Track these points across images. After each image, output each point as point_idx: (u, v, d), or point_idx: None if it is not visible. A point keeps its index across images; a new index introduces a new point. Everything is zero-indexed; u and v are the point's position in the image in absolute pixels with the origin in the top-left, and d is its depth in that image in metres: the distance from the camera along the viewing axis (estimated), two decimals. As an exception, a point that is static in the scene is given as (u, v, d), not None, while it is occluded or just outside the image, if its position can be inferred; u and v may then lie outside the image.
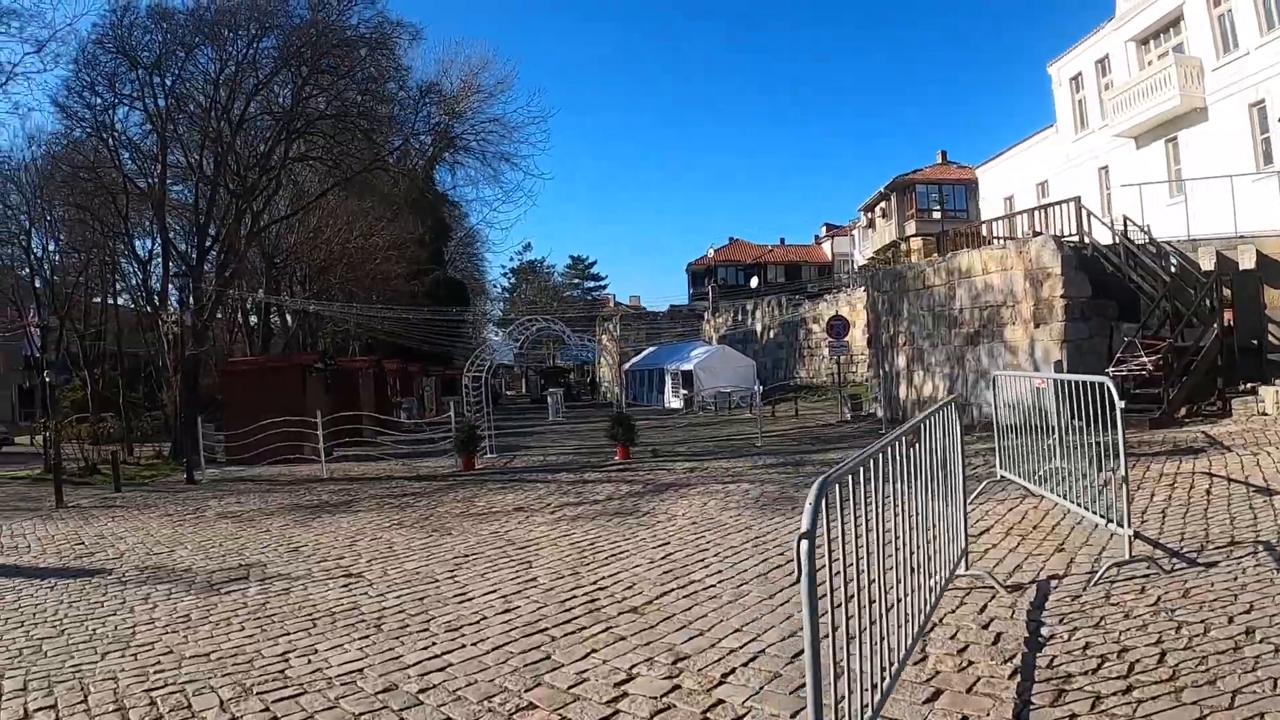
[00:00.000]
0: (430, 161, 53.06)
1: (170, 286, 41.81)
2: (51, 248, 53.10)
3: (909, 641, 6.33)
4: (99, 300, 56.87)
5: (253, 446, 28.32)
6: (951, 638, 7.70)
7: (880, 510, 5.48)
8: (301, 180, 46.20)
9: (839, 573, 4.75)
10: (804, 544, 3.97)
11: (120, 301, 56.37)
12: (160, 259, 41.63)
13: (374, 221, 48.00)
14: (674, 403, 57.63)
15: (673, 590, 10.19)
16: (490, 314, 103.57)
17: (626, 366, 68.51)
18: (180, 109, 39.01)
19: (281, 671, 8.16)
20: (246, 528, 17.12)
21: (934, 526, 7.48)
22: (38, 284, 53.17)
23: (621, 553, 12.54)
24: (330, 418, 28.02)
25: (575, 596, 10.23)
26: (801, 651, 4.72)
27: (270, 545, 15.00)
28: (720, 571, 10.92)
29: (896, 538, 6.35)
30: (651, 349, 73.39)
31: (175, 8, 37.94)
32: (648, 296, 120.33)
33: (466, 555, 13.08)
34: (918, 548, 6.79)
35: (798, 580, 4.10)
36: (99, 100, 37.80)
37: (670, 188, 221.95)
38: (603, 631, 8.78)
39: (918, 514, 6.94)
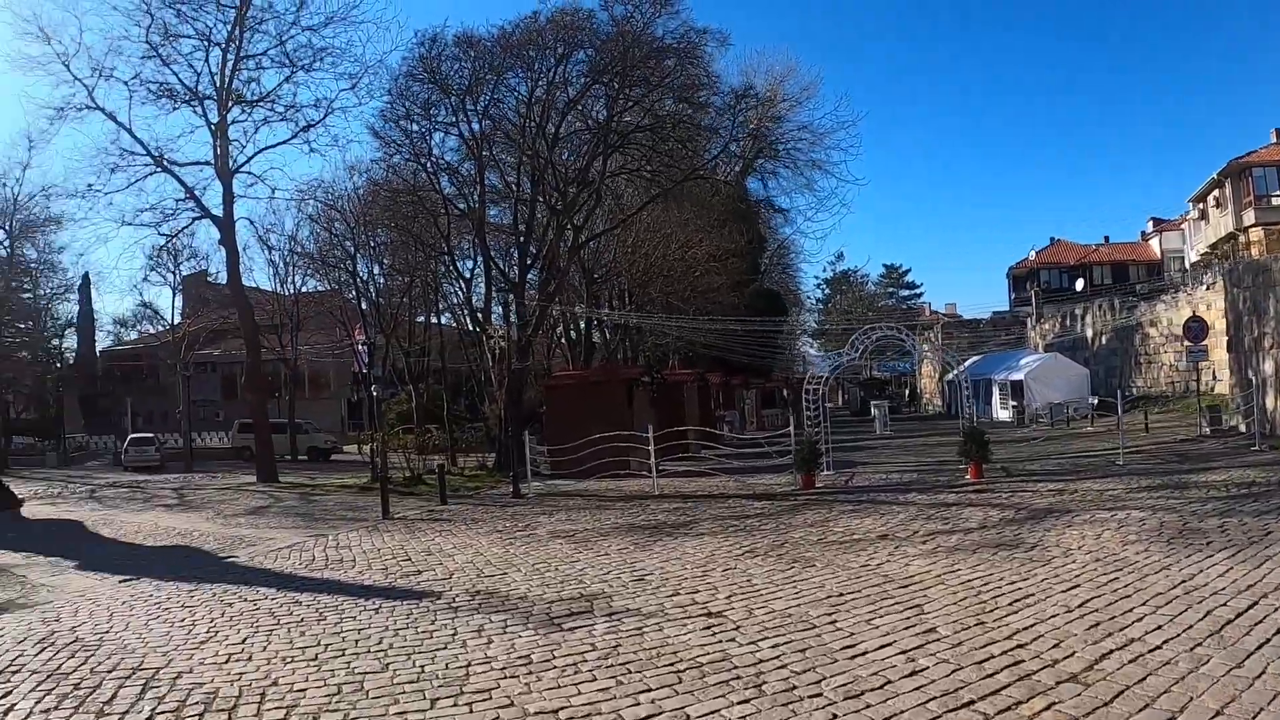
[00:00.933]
0: (743, 171, 51.72)
1: (493, 303, 41.98)
2: (376, 271, 54.86)
3: None
4: (422, 319, 58.54)
5: (579, 461, 27.29)
6: None
7: None
8: (621, 194, 45.50)
9: None
10: None
11: (443, 320, 57.80)
12: (482, 277, 41.82)
13: (692, 233, 46.78)
14: (1002, 415, 53.99)
15: (1112, 652, 8.19)
16: (805, 325, 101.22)
17: (949, 377, 65.20)
18: (495, 128, 39.04)
19: (649, 743, 6.61)
20: (582, 549, 15.96)
21: None
22: (364, 305, 54.83)
23: (1026, 596, 10.53)
24: (661, 433, 26.64)
25: (991, 655, 8.37)
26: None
27: (611, 571, 13.69)
28: (1160, 628, 8.84)
29: None
30: (975, 358, 69.49)
31: (481, 35, 38.37)
32: (964, 303, 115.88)
33: (841, 594, 11.29)
34: None
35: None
36: (415, 127, 39.02)
37: (985, 189, 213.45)
38: (1046, 709, 6.87)
39: None
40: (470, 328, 53.39)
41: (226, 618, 11.98)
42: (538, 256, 38.58)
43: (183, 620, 11.99)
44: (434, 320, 60.46)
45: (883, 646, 8.84)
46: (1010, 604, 10.20)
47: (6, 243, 62.13)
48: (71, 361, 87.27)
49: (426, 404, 51.92)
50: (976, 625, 9.41)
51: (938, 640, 8.95)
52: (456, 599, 12.22)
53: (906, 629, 9.43)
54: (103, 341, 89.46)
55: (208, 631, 11.24)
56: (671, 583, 12.55)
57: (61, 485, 42.51)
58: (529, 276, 39.62)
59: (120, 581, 15.51)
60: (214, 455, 60.44)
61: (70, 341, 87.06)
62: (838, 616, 10.12)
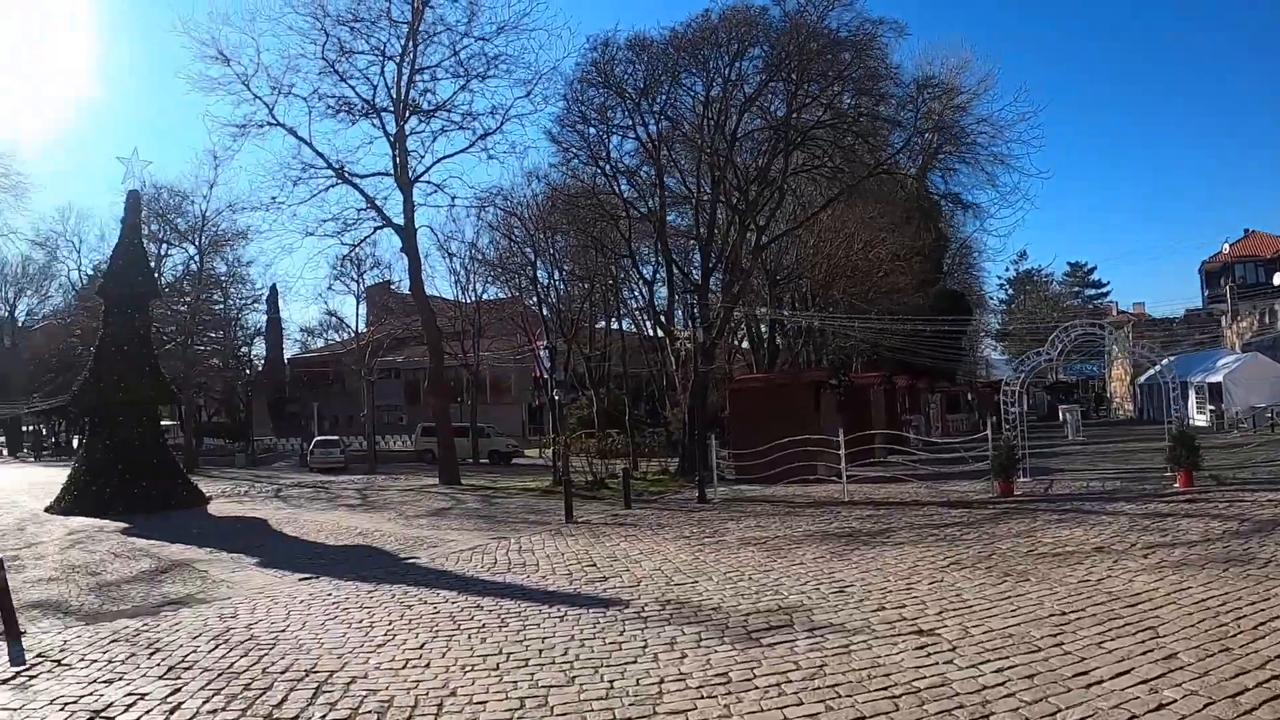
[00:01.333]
0: (923, 168, 49.91)
1: (675, 307, 41.27)
2: (556, 276, 54.85)
3: None
4: (603, 325, 58.38)
5: (765, 466, 26.32)
6: None
7: None
8: (802, 193, 44.26)
9: None
10: None
11: (624, 325, 57.51)
12: (663, 281, 41.23)
13: (875, 232, 45.24)
14: (1198, 419, 50.78)
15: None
16: (988, 327, 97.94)
17: (1141, 380, 62.00)
18: (674, 129, 38.46)
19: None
20: (775, 558, 14.89)
21: None
22: (545, 311, 54.92)
23: (1273, 619, 9.23)
24: (852, 437, 25.42)
25: (1244, 686, 7.28)
26: None
27: (809, 582, 12.66)
28: None
29: None
30: (1168, 359, 65.74)
31: (652, 37, 37.74)
32: (1153, 302, 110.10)
33: (1064, 613, 10.05)
34: None
35: None
36: (592, 131, 38.68)
37: (1170, 180, 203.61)
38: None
39: None
40: (652, 332, 52.96)
41: (405, 620, 11.50)
42: (720, 258, 37.69)
43: (360, 621, 11.57)
44: (614, 325, 60.14)
45: (1119, 674, 7.79)
46: (1255, 627, 8.97)
47: (197, 257, 64.08)
48: (260, 368, 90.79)
49: (607, 408, 51.66)
50: (1221, 652, 8.24)
51: (1181, 668, 7.84)
52: (645, 608, 11.41)
53: (1143, 654, 8.31)
54: (291, 349, 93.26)
55: (385, 635, 10.79)
56: (875, 595, 11.49)
57: (248, 485, 43.42)
58: (711, 279, 38.74)
59: (300, 579, 15.31)
60: (397, 458, 61.57)
61: (260, 349, 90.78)
62: (1063, 638, 9.00)
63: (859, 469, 27.96)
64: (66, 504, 31.57)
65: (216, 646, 10.57)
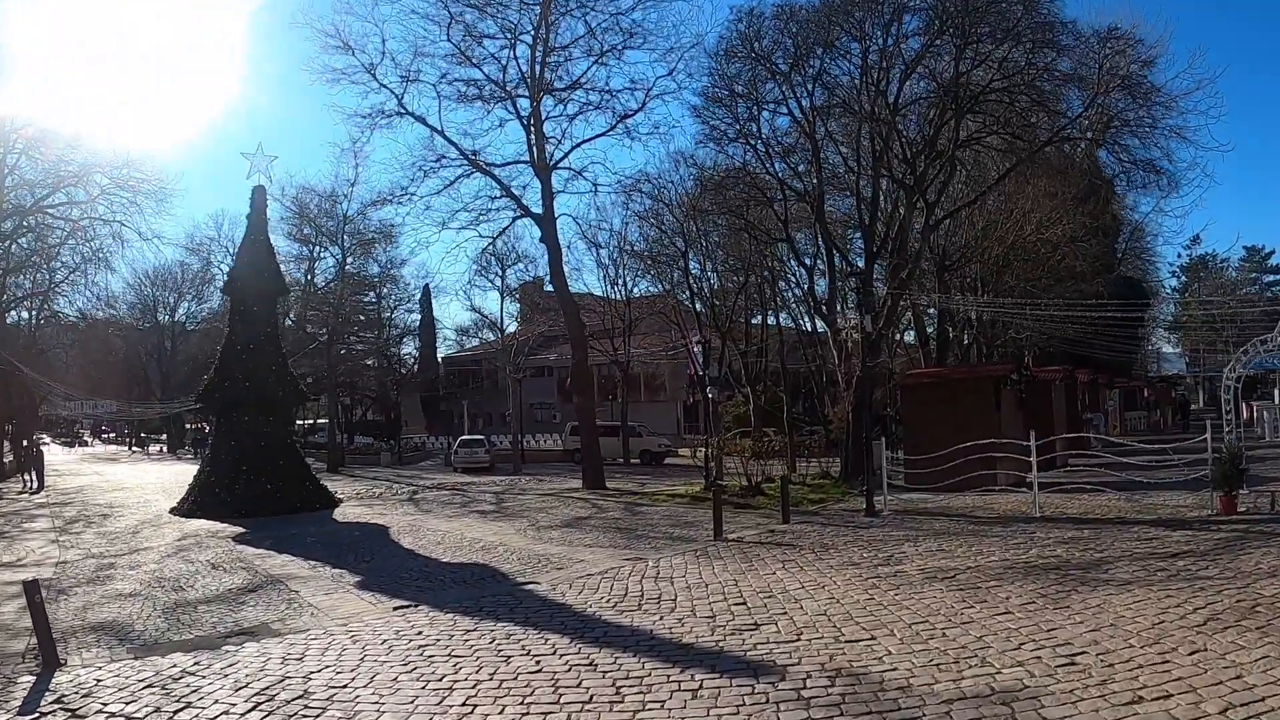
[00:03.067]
0: (1095, 140, 45.12)
1: (836, 296, 37.89)
2: (708, 268, 52.35)
3: None
4: (758, 320, 55.78)
5: (941, 475, 23.10)
6: None
7: None
8: (973, 167, 40.22)
9: None
10: None
11: (780, 319, 54.76)
12: (823, 269, 37.80)
13: (1049, 211, 41.02)
14: None
15: None
16: (1162, 318, 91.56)
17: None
18: (830, 98, 35.21)
19: None
20: (971, 602, 11.58)
21: None
22: (698, 306, 52.48)
23: None
24: (1045, 440, 21.98)
25: None
26: None
27: (1024, 645, 9.44)
28: None
29: None
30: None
31: (801, 3, 34.53)
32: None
33: None
34: None
35: None
36: (740, 109, 35.82)
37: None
38: None
39: None
40: (811, 325, 50.03)
41: (495, 681, 9.01)
42: (885, 240, 34.43)
43: (440, 679, 9.22)
44: (770, 319, 57.32)
45: None
46: None
47: (341, 257, 63.26)
48: (414, 367, 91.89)
49: (764, 406, 48.90)
50: None
51: None
52: (808, 682, 8.49)
53: None
54: (448, 349, 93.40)
55: (464, 703, 8.43)
56: (1120, 673, 8.27)
57: (386, 485, 41.83)
58: (875, 265, 35.28)
59: (394, 609, 13.06)
60: (545, 458, 59.74)
61: (412, 348, 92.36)
62: None
63: (1043, 476, 24.63)
64: (190, 506, 30.28)
65: (255, 708, 8.62)
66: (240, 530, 25.31)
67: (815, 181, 34.75)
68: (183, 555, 20.54)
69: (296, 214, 61.61)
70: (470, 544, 20.48)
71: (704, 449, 35.43)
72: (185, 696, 9.05)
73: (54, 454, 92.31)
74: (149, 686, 9.45)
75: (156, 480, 46.49)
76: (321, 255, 66.62)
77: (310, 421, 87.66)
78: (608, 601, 12.63)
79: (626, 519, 24.84)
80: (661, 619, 11.33)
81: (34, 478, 44.19)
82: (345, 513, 29.83)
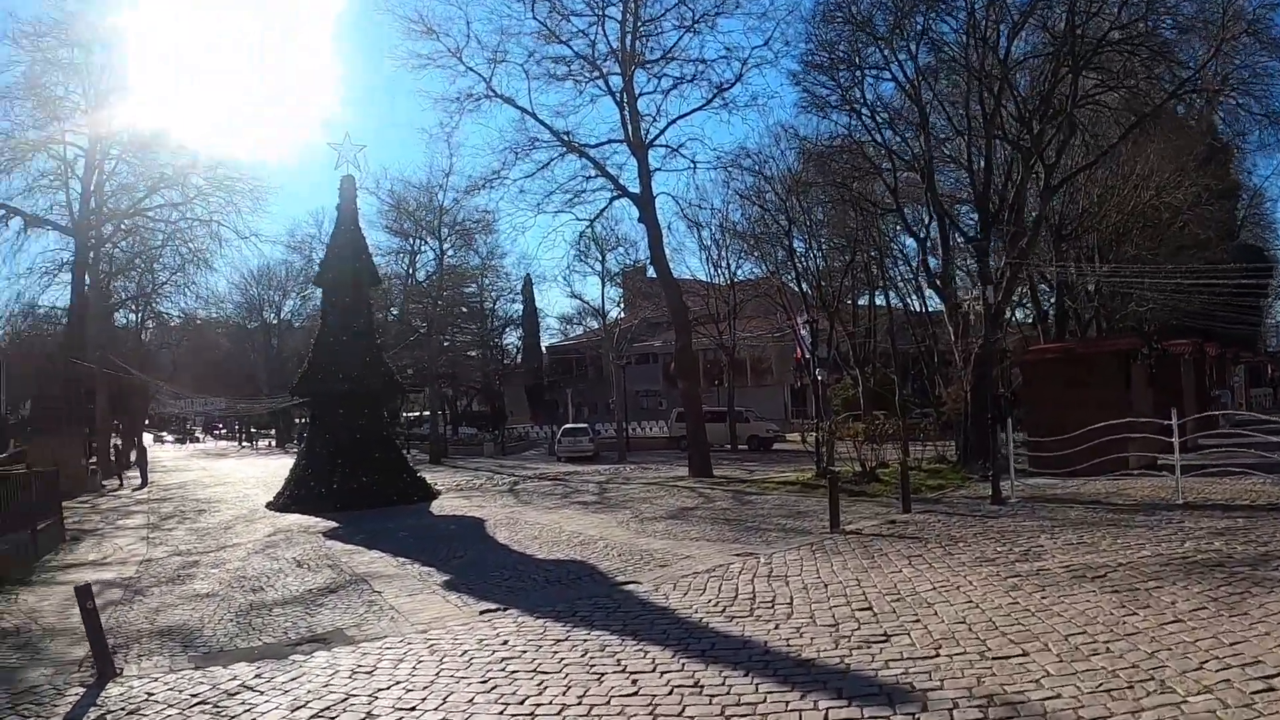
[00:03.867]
0: (1209, 103, 42.00)
1: (949, 269, 35.79)
2: (813, 248, 50.62)
3: None
4: (865, 301, 54.16)
5: (1069, 459, 21.35)
6: None
7: None
8: (1092, 127, 37.44)
9: None
10: None
11: (890, 298, 52.91)
12: (936, 239, 35.70)
13: (1170, 174, 38.28)
14: None
15: None
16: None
17: None
18: (938, 57, 33.30)
19: None
20: (1130, 607, 9.86)
21: None
22: (804, 286, 50.82)
23: None
24: (1187, 419, 20.08)
25: None
26: None
27: (1207, 663, 7.83)
28: None
29: None
30: None
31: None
32: None
33: None
34: None
35: None
36: (843, 75, 33.99)
37: None
38: None
39: None
40: (920, 304, 48.05)
41: (584, 707, 7.80)
42: (1000, 209, 32.33)
43: (521, 703, 8.02)
44: (878, 299, 55.45)
45: None
46: None
47: (438, 248, 62.71)
48: (518, 357, 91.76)
49: (874, 388, 47.06)
50: None
51: None
52: (956, 714, 7.04)
53: None
54: (549, 338, 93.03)
55: None
56: None
57: (488, 476, 40.92)
58: (994, 232, 32.92)
59: (480, 613, 11.89)
60: (651, 445, 58.94)
61: (515, 339, 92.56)
62: None
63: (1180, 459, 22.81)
64: (285, 501, 29.86)
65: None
66: (333, 525, 24.57)
67: (924, 147, 32.76)
68: (269, 552, 19.80)
69: (393, 207, 61.31)
70: (568, 538, 19.28)
71: (814, 434, 33.77)
72: (237, 717, 8.10)
73: (165, 450, 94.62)
74: (201, 703, 8.59)
75: (259, 475, 46.27)
76: (422, 249, 66.19)
77: (416, 414, 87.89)
78: (715, 605, 11.27)
79: (735, 509, 23.42)
80: (776, 628, 9.94)
81: (139, 474, 44.32)
82: (442, 505, 28.97)
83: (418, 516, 25.97)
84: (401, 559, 17.52)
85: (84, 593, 9.96)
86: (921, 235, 37.04)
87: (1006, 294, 31.37)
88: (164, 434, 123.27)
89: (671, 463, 41.76)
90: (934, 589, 11.28)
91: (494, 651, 9.74)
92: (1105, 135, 35.04)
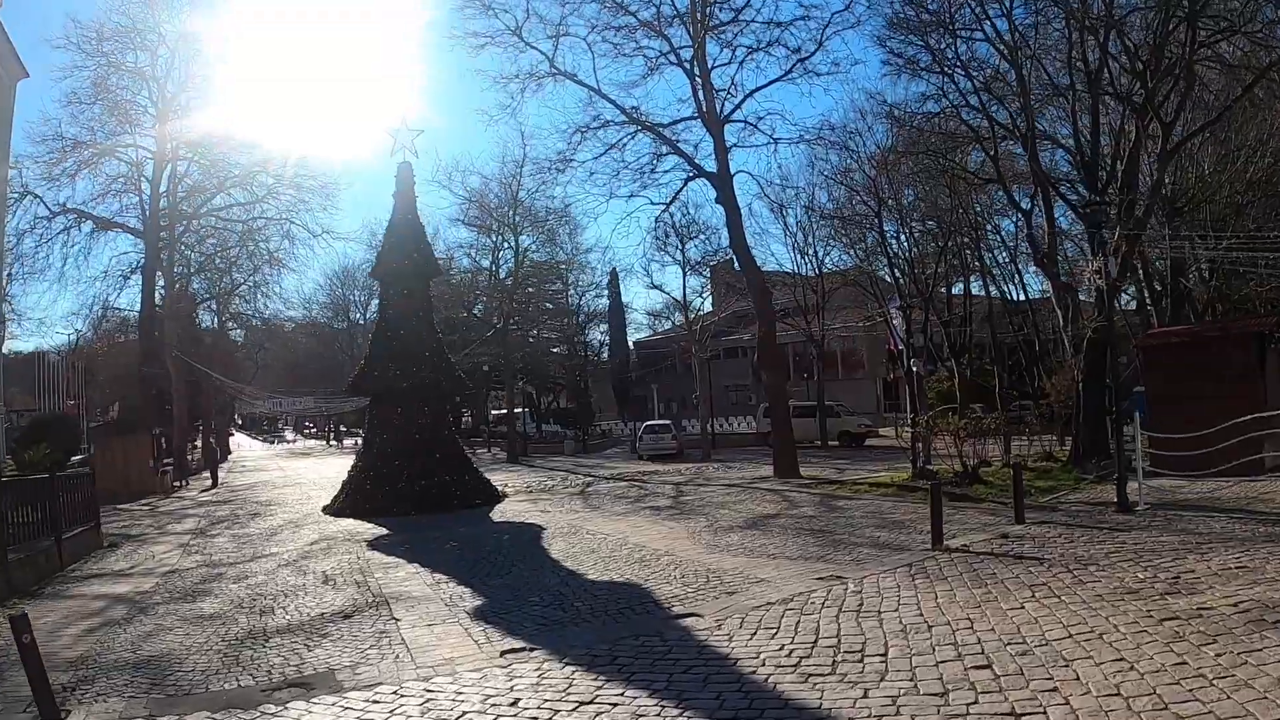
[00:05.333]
0: None
1: (1055, 245, 32.66)
2: (904, 233, 48.01)
3: None
4: (960, 288, 51.64)
5: (1199, 459, 18.70)
6: None
7: None
8: (1213, 84, 33.80)
9: None
10: None
11: (987, 287, 50.23)
12: (1040, 213, 32.64)
13: None
14: None
15: None
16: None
17: None
18: (1035, 11, 30.41)
19: None
20: None
21: None
22: (896, 274, 48.31)
23: None
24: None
25: None
26: None
27: None
28: None
29: None
30: None
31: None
32: None
33: None
34: None
35: None
36: (932, 36, 31.12)
37: None
38: None
39: None
40: (1020, 290, 45.26)
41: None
42: (1110, 178, 29.32)
43: None
44: (974, 287, 52.85)
45: None
46: None
47: (514, 241, 60.75)
48: (605, 353, 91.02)
49: (971, 380, 44.40)
50: None
51: None
52: None
53: None
54: (637, 333, 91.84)
55: None
56: None
57: (563, 476, 38.97)
58: (1107, 198, 29.32)
59: (502, 654, 9.87)
60: (739, 442, 56.74)
61: (599, 334, 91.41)
62: None
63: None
64: (340, 505, 28.14)
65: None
66: (381, 532, 22.84)
67: (1024, 105, 29.69)
68: (301, 564, 18.00)
69: (471, 202, 59.57)
70: (630, 552, 16.94)
71: (909, 429, 31.10)
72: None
73: (251, 450, 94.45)
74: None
75: (333, 474, 44.66)
76: (503, 245, 64.37)
77: (503, 411, 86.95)
78: (788, 654, 8.87)
79: (822, 516, 20.92)
80: (865, 695, 7.53)
81: (210, 475, 43.57)
82: (505, 509, 26.96)
83: (474, 523, 23.96)
84: (439, 576, 15.55)
85: (20, 624, 8.42)
86: (1027, 206, 33.78)
87: (1121, 270, 27.95)
88: (252, 434, 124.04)
89: (758, 461, 39.17)
90: (1070, 636, 8.68)
91: (499, 714, 7.70)
92: (1226, 94, 31.45)
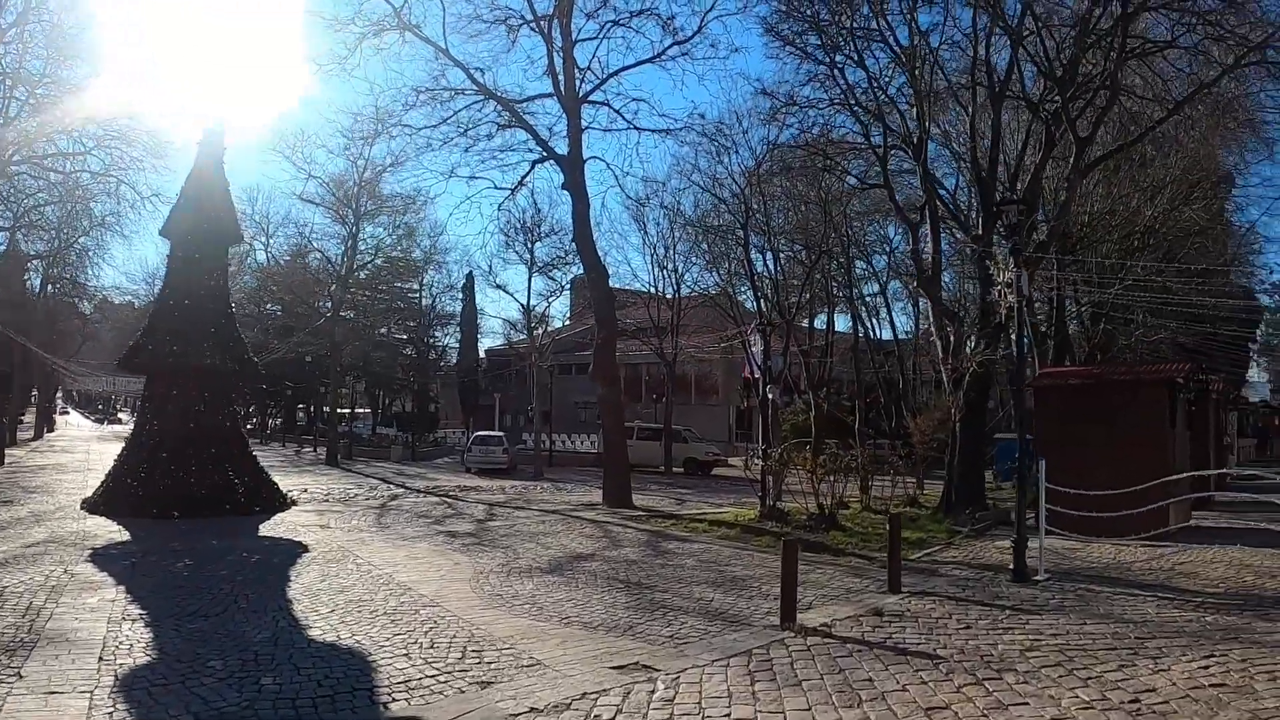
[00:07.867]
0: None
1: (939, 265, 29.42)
2: (768, 255, 45.24)
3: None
4: (822, 321, 49.68)
5: (1101, 519, 15.92)
6: None
7: None
8: (1133, 106, 30.86)
9: None
10: None
11: (854, 322, 47.74)
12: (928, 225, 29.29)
13: (1195, 183, 32.54)
14: None
15: None
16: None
17: None
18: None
19: None
20: None
21: None
22: (758, 298, 45.50)
23: None
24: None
25: None
26: None
27: None
28: None
29: None
30: None
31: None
32: None
33: None
34: None
35: None
36: (816, 40, 27.95)
37: None
38: None
39: None
40: (889, 325, 42.78)
41: None
42: (1010, 192, 25.94)
43: None
44: (839, 323, 50.40)
45: None
46: None
47: (354, 224, 56.07)
48: (454, 359, 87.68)
49: (829, 414, 41.68)
50: None
51: None
52: None
53: None
54: (492, 341, 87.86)
55: None
56: None
57: (373, 485, 34.94)
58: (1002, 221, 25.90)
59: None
60: (579, 461, 53.86)
61: (453, 340, 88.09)
62: None
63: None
64: (97, 499, 23.62)
65: None
66: (121, 538, 18.76)
67: (916, 120, 26.53)
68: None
69: (308, 175, 54.74)
70: (387, 596, 12.81)
71: (759, 461, 27.60)
72: None
73: (78, 429, 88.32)
74: None
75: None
76: (363, 236, 59.77)
77: (350, 410, 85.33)
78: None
79: (645, 563, 17.00)
80: None
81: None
82: (283, 520, 22.72)
83: (234, 535, 19.66)
84: (133, 610, 11.68)
85: None
86: (915, 219, 30.36)
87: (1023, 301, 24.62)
88: (85, 412, 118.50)
89: (592, 482, 35.66)
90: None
91: None
92: (1152, 114, 28.54)
